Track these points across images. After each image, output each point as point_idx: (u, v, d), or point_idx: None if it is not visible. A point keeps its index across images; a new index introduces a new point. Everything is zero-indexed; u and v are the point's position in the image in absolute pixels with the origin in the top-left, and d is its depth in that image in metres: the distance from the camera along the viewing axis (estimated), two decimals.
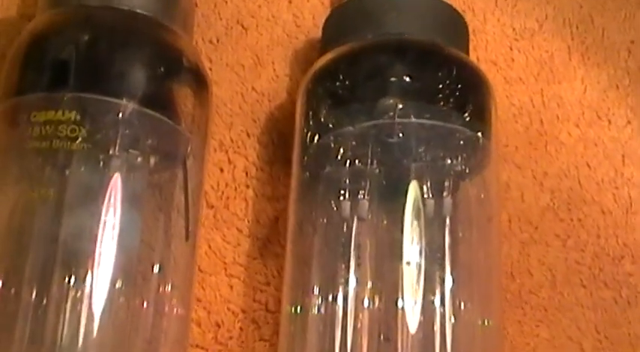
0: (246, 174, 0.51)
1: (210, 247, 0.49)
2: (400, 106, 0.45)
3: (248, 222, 0.50)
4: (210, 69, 0.52)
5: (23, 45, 0.43)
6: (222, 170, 0.50)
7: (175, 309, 0.43)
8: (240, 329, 0.48)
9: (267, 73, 0.53)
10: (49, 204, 0.39)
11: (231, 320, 0.48)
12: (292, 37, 0.55)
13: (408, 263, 0.42)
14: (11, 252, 0.39)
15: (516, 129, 0.54)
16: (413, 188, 0.44)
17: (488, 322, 0.44)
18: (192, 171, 0.45)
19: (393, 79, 0.45)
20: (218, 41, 0.54)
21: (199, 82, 0.46)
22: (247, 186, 0.50)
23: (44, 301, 0.39)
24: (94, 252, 0.39)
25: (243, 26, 0.54)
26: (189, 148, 0.45)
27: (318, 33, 0.52)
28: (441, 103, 0.45)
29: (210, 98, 0.47)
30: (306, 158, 0.47)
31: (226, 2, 0.55)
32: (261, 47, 0.54)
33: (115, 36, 0.43)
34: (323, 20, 0.51)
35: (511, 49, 0.56)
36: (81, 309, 0.39)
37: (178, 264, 0.44)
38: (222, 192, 0.50)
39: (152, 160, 0.44)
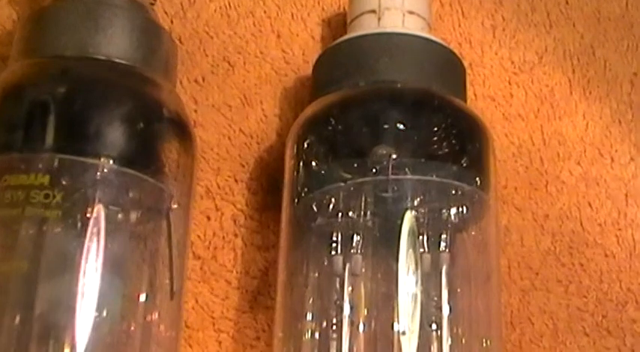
0: (235, 222, 0.49)
1: (197, 301, 0.47)
2: (394, 156, 0.42)
3: (237, 273, 0.48)
4: (196, 111, 0.50)
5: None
6: (209, 218, 0.48)
7: None
8: None
9: (256, 114, 0.51)
10: (22, 278, 0.36)
11: None
12: (281, 75, 0.52)
13: (404, 332, 0.40)
14: None
15: (516, 168, 0.52)
16: (407, 240, 0.42)
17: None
18: (177, 222, 0.43)
19: (386, 129, 0.43)
20: (204, 80, 0.51)
21: (182, 131, 0.44)
22: (236, 235, 0.48)
23: None
24: (72, 324, 0.37)
25: (229, 63, 0.52)
26: (172, 202, 0.43)
27: (308, 70, 0.50)
28: (437, 155, 0.43)
29: (194, 146, 0.45)
30: (295, 210, 0.45)
31: (212, 38, 0.52)
32: (248, 86, 0.52)
33: (93, 91, 0.41)
34: (313, 56, 0.49)
35: (510, 83, 0.54)
36: None
37: (164, 321, 0.42)
38: (210, 242, 0.48)
39: (133, 216, 0.42)
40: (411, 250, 0.42)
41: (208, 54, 0.52)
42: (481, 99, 0.53)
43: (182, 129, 0.43)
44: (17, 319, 0.37)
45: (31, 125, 0.39)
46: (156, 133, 0.42)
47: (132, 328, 0.41)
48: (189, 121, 0.44)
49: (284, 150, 0.48)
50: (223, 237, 0.48)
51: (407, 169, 0.42)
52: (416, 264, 0.42)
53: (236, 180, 0.49)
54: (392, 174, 0.43)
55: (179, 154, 0.43)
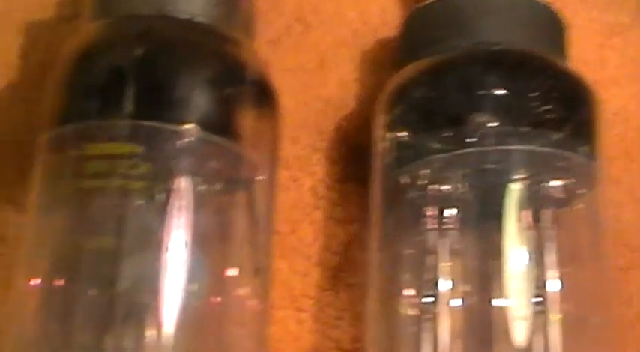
0: (314, 194, 0.45)
1: (276, 278, 0.44)
2: (495, 125, 0.39)
3: (317, 248, 0.45)
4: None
5: (70, 63, 0.38)
6: (287, 189, 0.45)
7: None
8: None
9: (333, 78, 0.48)
10: (109, 253, 0.34)
11: None
12: (359, 37, 0.49)
13: (510, 309, 0.37)
14: (62, 313, 0.34)
15: (610, 138, 0.48)
16: (510, 216, 0.39)
17: None
18: (262, 194, 0.40)
19: (486, 95, 0.40)
20: (278, 41, 0.48)
21: (266, 95, 0.41)
22: (316, 208, 0.45)
23: None
24: (158, 301, 0.34)
25: (305, 24, 0.49)
26: (256, 172, 0.40)
27: (387, 31, 0.47)
28: (542, 122, 0.39)
29: (277, 111, 0.42)
30: (386, 182, 0.42)
31: None
32: (325, 48, 0.48)
33: (174, 53, 0.37)
34: (393, 17, 0.46)
35: (602, 46, 0.50)
36: None
37: (250, 297, 0.39)
38: (288, 216, 0.45)
39: (217, 187, 0.39)
40: (516, 225, 0.38)
41: (283, 13, 0.49)
42: (571, 63, 0.50)
43: (266, 93, 0.40)
44: (103, 296, 0.34)
45: (109, 91, 0.36)
46: (240, 97, 0.39)
47: (217, 304, 0.38)
48: (272, 84, 0.41)
49: (363, 117, 0.45)
50: (302, 210, 0.45)
51: (509, 138, 0.39)
52: (521, 240, 0.39)
53: (314, 149, 0.46)
54: (492, 143, 0.39)
55: (263, 120, 0.40)
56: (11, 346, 0.36)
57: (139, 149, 0.35)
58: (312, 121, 0.47)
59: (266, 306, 0.40)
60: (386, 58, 0.48)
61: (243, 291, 0.39)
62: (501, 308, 0.38)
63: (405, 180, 0.41)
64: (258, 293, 0.39)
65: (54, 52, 0.45)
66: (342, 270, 0.44)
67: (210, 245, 0.37)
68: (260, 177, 0.39)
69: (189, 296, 0.35)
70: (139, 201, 0.35)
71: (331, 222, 0.45)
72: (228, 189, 0.39)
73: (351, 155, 0.46)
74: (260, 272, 0.40)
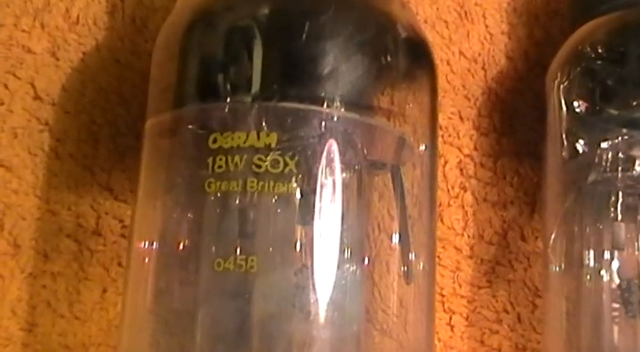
0: (462, 172, 0.38)
1: None
2: None
3: (468, 237, 0.38)
4: None
5: (184, 27, 0.30)
6: None
7: None
8: None
9: (478, 32, 0.40)
10: (250, 278, 0.27)
11: None
12: None
13: None
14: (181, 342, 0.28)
15: None
16: None
17: None
18: (418, 174, 0.33)
19: None
20: None
21: (421, 54, 0.33)
22: (464, 189, 0.38)
23: None
24: (305, 324, 0.28)
25: None
26: (405, 151, 0.33)
27: None
28: None
29: (435, 70, 0.34)
30: (559, 162, 0.34)
31: None
32: None
33: (313, 10, 0.30)
34: None
35: None
36: None
37: (408, 307, 0.33)
38: None
39: (362, 174, 0.31)
40: None
41: None
42: None
43: (421, 52, 0.33)
44: (235, 325, 0.27)
45: (236, 63, 0.29)
46: (391, 65, 0.31)
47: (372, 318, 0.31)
48: (426, 39, 0.33)
49: (518, 78, 0.38)
50: (449, 192, 0.38)
51: None
52: None
53: (461, 118, 0.39)
54: None
55: (417, 87, 0.32)
56: None
57: (281, 139, 0.27)
58: (457, 84, 0.39)
59: (427, 313, 0.33)
60: (540, 6, 0.40)
61: (401, 300, 0.32)
62: None
63: (586, 159, 0.34)
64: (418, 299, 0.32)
65: (149, 5, 0.38)
66: (500, 263, 0.37)
67: (364, 250, 0.30)
68: (422, 148, 0.32)
69: (348, 323, 0.28)
70: (282, 206, 0.27)
71: (484, 206, 0.38)
72: (373, 173, 0.32)
73: (505, 124, 0.39)
74: (411, 276, 0.32)
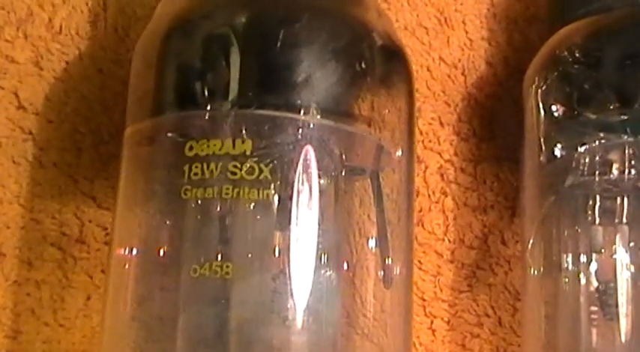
0: (442, 177, 0.38)
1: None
2: None
3: (449, 242, 0.38)
4: None
5: (162, 35, 0.31)
6: None
7: None
8: None
9: (458, 38, 0.40)
10: (227, 285, 0.27)
11: None
12: None
13: None
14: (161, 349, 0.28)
15: None
16: None
17: None
18: (395, 182, 0.33)
19: None
20: None
21: (396, 61, 0.33)
22: (445, 194, 0.38)
23: None
24: (284, 334, 0.28)
25: None
26: (383, 157, 0.33)
27: None
28: None
29: (411, 77, 0.34)
30: (537, 166, 0.35)
31: None
32: (446, 2, 0.41)
33: (289, 17, 0.30)
34: None
35: None
36: None
37: (386, 311, 0.33)
38: None
39: (339, 180, 0.32)
40: None
41: None
42: None
43: (398, 59, 0.33)
44: (213, 331, 0.28)
45: (213, 71, 0.29)
46: (367, 72, 0.32)
47: (348, 327, 0.31)
48: (402, 46, 0.34)
49: (497, 83, 0.38)
50: (429, 197, 0.38)
51: None
52: None
53: (441, 124, 0.39)
54: None
55: (394, 93, 0.33)
56: None
57: (256, 146, 0.27)
58: (436, 90, 0.39)
59: (405, 316, 0.33)
60: (519, 11, 0.40)
61: (367, 298, 0.32)
62: None
63: (563, 163, 0.34)
64: (396, 305, 0.33)
65: (131, 14, 0.38)
66: (480, 268, 0.38)
67: (341, 256, 0.30)
68: (398, 154, 0.32)
69: (325, 328, 0.28)
70: (254, 212, 0.28)
71: (465, 211, 0.38)
72: (352, 179, 0.33)
73: (485, 129, 0.39)
74: (389, 281, 0.33)
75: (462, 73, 0.40)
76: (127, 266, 0.31)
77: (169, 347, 0.30)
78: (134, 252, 0.31)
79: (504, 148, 0.38)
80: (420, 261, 0.38)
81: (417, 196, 0.38)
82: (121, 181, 0.31)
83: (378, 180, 0.33)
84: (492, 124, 0.39)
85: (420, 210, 0.38)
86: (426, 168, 0.39)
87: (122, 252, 0.31)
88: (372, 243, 0.33)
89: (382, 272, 0.33)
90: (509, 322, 0.37)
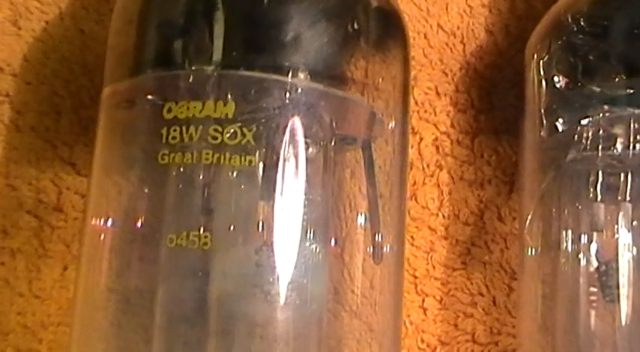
0: (438, 149, 0.37)
1: None
2: None
3: (443, 217, 0.36)
4: None
5: None
6: None
7: None
8: None
9: (458, 4, 0.38)
10: (205, 255, 0.25)
11: None
12: None
13: None
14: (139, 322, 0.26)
15: None
16: None
17: None
18: (388, 152, 0.32)
19: None
20: None
21: (393, 26, 0.32)
22: (440, 167, 0.37)
23: None
24: (265, 308, 0.26)
25: None
26: (376, 126, 0.31)
27: None
28: None
29: (408, 43, 0.32)
30: (537, 140, 0.33)
31: None
32: None
33: None
34: None
35: None
36: None
37: (374, 293, 0.31)
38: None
39: (329, 149, 0.30)
40: None
41: None
42: None
43: (394, 23, 0.31)
44: (192, 304, 0.26)
45: (195, 29, 0.27)
46: (361, 35, 0.30)
47: (335, 303, 0.30)
48: (399, 10, 0.32)
49: (497, 52, 0.37)
50: (424, 170, 0.37)
51: None
52: None
53: (438, 94, 0.37)
54: None
55: (389, 59, 0.31)
56: None
57: (239, 110, 0.26)
58: (434, 58, 0.38)
59: (395, 294, 0.32)
60: None
61: (355, 274, 0.31)
62: None
63: (565, 137, 0.32)
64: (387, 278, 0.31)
65: None
66: (475, 245, 0.36)
67: (328, 228, 0.29)
68: (392, 125, 0.31)
69: (306, 303, 0.27)
70: (239, 180, 0.26)
71: (460, 185, 0.36)
72: (339, 148, 0.31)
73: (483, 100, 0.37)
74: (379, 256, 0.31)
75: (461, 41, 0.38)
76: (102, 236, 0.29)
77: (147, 321, 0.28)
78: (110, 221, 0.29)
79: (503, 121, 0.37)
80: (412, 237, 0.36)
81: (411, 169, 0.37)
82: (96, 146, 0.30)
83: (370, 151, 0.31)
84: (491, 95, 0.37)
85: (414, 184, 0.36)
86: (421, 139, 0.37)
87: (97, 221, 0.29)
88: (362, 216, 0.31)
89: (372, 248, 0.31)
90: (504, 302, 0.36)
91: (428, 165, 0.37)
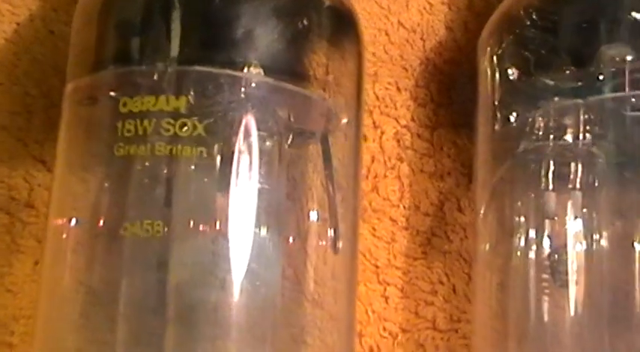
0: (399, 142, 0.38)
1: None
2: (632, 58, 0.31)
3: (404, 208, 0.37)
4: None
5: None
6: (365, 138, 0.38)
7: None
8: None
9: (418, 2, 0.40)
10: (158, 242, 0.26)
11: (389, 344, 0.36)
12: None
13: None
14: (103, 313, 0.27)
15: None
16: None
17: None
18: (342, 147, 0.33)
19: (619, 21, 0.32)
20: None
21: (346, 24, 0.33)
22: (401, 160, 0.38)
23: None
24: (223, 299, 0.27)
25: None
26: (334, 119, 0.32)
27: None
28: None
29: (361, 42, 0.34)
30: (491, 131, 0.34)
31: None
32: None
33: None
34: None
35: None
36: None
37: (330, 277, 0.32)
38: (368, 170, 0.38)
39: (285, 143, 0.31)
40: None
41: None
42: None
43: (346, 22, 0.32)
44: (149, 292, 0.27)
45: (152, 27, 0.28)
46: (314, 30, 0.31)
47: (290, 292, 0.31)
48: (353, 9, 0.33)
49: (456, 48, 0.38)
50: (385, 163, 0.38)
51: None
52: None
53: (398, 89, 0.38)
54: (630, 82, 0.31)
55: (342, 56, 0.32)
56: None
57: (191, 103, 0.27)
58: (394, 55, 0.39)
59: (351, 283, 0.33)
60: None
61: (318, 264, 0.32)
62: None
63: (517, 128, 0.33)
64: (342, 271, 0.32)
65: None
66: (435, 235, 0.37)
67: (281, 215, 0.30)
68: (344, 121, 0.32)
69: (261, 291, 0.28)
70: (193, 171, 0.27)
71: (421, 177, 0.37)
72: (298, 142, 0.32)
73: (443, 95, 0.38)
74: (337, 246, 0.32)
75: (421, 38, 0.39)
76: (66, 231, 0.30)
77: (112, 312, 0.29)
78: (73, 216, 0.30)
79: (462, 114, 0.38)
80: (374, 228, 0.37)
81: (373, 162, 0.38)
82: (59, 143, 0.31)
83: (328, 144, 0.32)
84: (450, 90, 0.38)
85: (376, 176, 0.37)
86: (382, 133, 0.38)
87: (61, 217, 0.30)
88: (322, 209, 0.32)
89: (331, 239, 0.32)
90: (463, 290, 0.37)
91: (389, 158, 0.38)
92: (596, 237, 0.32)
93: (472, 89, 0.37)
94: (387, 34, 0.39)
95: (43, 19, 0.38)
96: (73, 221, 0.30)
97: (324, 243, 0.32)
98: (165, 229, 0.26)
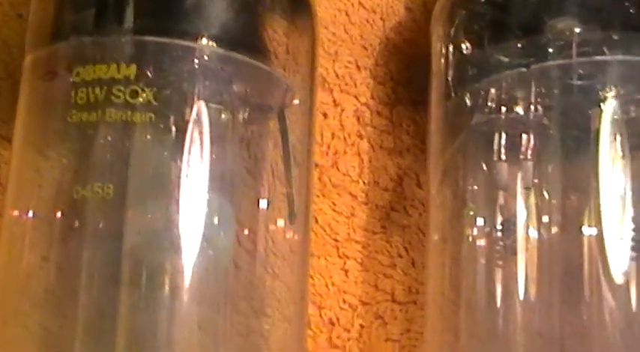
0: (358, 119, 0.39)
1: (316, 221, 0.37)
2: (580, 31, 0.32)
3: (364, 184, 0.38)
4: None
5: None
6: (325, 115, 0.38)
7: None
8: (361, 326, 0.37)
9: None
10: (108, 205, 0.27)
11: (349, 316, 0.37)
12: None
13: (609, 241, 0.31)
14: (57, 279, 0.28)
15: None
16: (603, 145, 0.32)
17: None
18: (297, 123, 0.33)
19: None
20: None
21: (300, 1, 0.34)
22: (360, 137, 0.38)
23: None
24: (173, 259, 0.28)
25: None
26: (289, 96, 0.33)
27: None
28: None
29: (315, 21, 0.35)
30: (446, 105, 0.35)
31: None
32: None
33: None
34: None
35: None
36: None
37: (284, 250, 0.33)
38: (329, 146, 0.38)
39: (241, 115, 0.32)
40: (611, 151, 0.32)
41: None
42: None
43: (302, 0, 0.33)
44: (103, 254, 0.28)
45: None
46: (269, 4, 0.32)
47: (244, 260, 0.32)
48: None
49: (416, 28, 0.38)
50: (345, 139, 0.38)
51: (599, 47, 0.32)
52: (616, 169, 0.32)
53: (358, 67, 0.39)
54: (578, 54, 0.32)
55: (297, 31, 0.33)
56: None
57: (141, 71, 0.28)
58: (354, 34, 0.39)
59: (305, 255, 0.34)
60: None
61: (277, 238, 0.33)
62: (594, 241, 0.31)
63: (470, 101, 0.34)
64: (296, 242, 0.33)
65: None
66: (394, 209, 0.38)
67: (235, 186, 0.31)
68: (295, 102, 0.32)
69: (209, 251, 0.28)
70: (144, 137, 0.28)
71: (380, 153, 0.38)
72: (256, 117, 0.33)
73: (402, 73, 0.39)
74: (294, 216, 0.33)
75: (381, 18, 0.40)
76: (27, 204, 0.31)
77: (75, 283, 0.30)
78: (33, 194, 0.30)
79: (421, 92, 0.38)
80: (334, 203, 0.38)
81: (333, 139, 0.38)
82: (18, 117, 0.31)
83: (284, 119, 0.33)
84: (409, 68, 0.39)
85: (336, 153, 0.38)
86: (342, 110, 0.39)
87: (16, 213, 0.31)
88: (279, 182, 0.33)
89: (288, 211, 0.33)
90: (421, 263, 0.37)
91: (349, 135, 0.38)
92: (546, 207, 0.33)
93: (430, 68, 0.38)
94: (347, 15, 0.40)
95: (10, 3, 0.39)
96: (33, 197, 0.30)
97: (280, 215, 0.33)
98: (116, 193, 0.27)
